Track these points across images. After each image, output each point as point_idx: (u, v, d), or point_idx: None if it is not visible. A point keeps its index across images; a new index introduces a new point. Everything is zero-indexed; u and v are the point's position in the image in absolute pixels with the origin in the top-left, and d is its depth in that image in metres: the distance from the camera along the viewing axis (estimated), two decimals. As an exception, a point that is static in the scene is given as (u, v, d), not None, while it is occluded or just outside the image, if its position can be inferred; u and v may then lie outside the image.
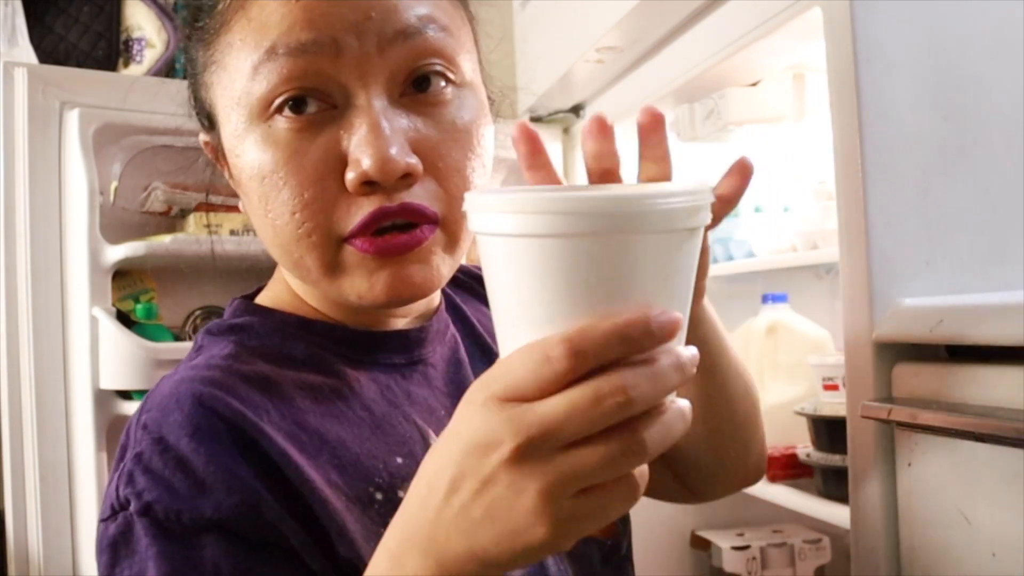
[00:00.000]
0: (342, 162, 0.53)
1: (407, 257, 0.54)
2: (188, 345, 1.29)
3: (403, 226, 0.54)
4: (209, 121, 0.61)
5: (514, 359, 0.39)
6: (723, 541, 1.43)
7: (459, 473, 0.40)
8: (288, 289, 0.64)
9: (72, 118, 1.28)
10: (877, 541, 0.78)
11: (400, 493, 0.56)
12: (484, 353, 0.71)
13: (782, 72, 1.27)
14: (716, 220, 0.48)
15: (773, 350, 1.39)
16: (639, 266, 0.37)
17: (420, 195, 0.54)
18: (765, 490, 1.24)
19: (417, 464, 0.53)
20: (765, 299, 1.45)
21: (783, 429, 1.30)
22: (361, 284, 0.55)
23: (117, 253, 1.27)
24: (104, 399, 1.26)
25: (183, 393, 0.53)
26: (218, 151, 0.61)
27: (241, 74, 0.54)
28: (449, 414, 0.61)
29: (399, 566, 0.42)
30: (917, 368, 0.75)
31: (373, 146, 0.51)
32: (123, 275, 1.38)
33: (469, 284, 0.77)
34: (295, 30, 0.52)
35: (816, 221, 1.35)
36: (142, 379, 1.23)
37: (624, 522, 0.69)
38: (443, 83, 0.56)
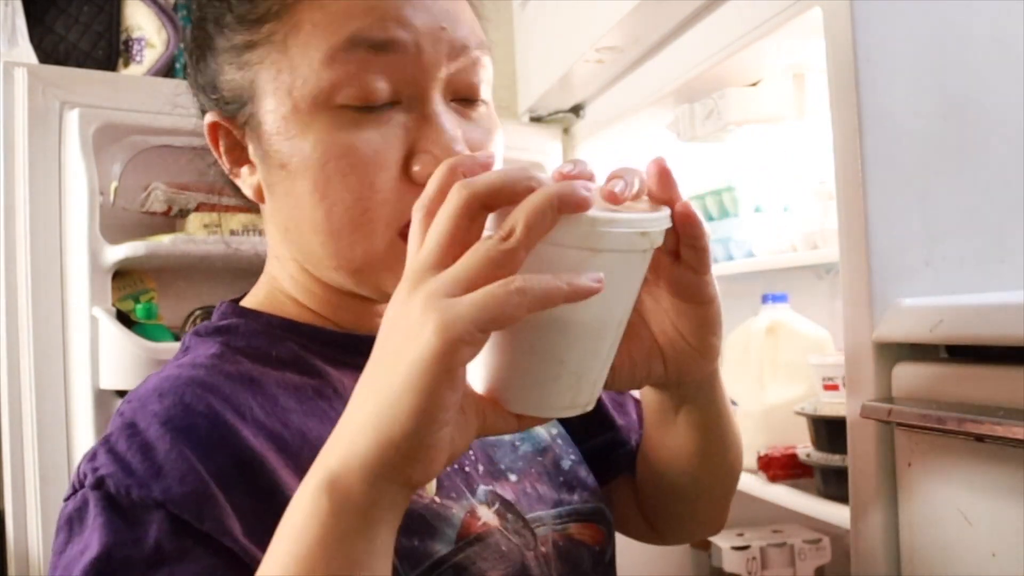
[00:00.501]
0: (405, 155, 0.56)
1: None
2: (188, 345, 1.30)
3: None
4: (234, 102, 0.60)
5: None
6: (723, 541, 1.43)
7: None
8: (276, 291, 0.64)
9: (72, 118, 1.28)
10: (877, 541, 0.78)
11: None
12: None
13: (782, 72, 1.27)
14: (690, 233, 0.50)
15: (773, 350, 1.39)
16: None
17: None
18: (765, 490, 1.24)
19: None
20: (765, 299, 1.45)
21: (783, 429, 1.29)
22: (383, 274, 0.57)
23: (117, 253, 1.27)
24: (104, 399, 1.26)
25: (166, 389, 0.54)
26: (230, 132, 0.61)
27: (309, 59, 0.55)
28: None
29: (295, 499, 0.44)
30: (917, 368, 0.75)
31: (441, 142, 0.56)
32: (123, 275, 1.38)
33: None
34: (382, 25, 0.55)
35: (816, 221, 1.35)
36: (142, 379, 1.23)
37: (609, 531, 0.70)
38: (480, 97, 0.60)
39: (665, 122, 1.50)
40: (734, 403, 1.50)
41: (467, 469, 0.63)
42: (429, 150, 0.55)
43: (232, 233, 1.36)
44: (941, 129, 0.82)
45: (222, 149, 0.62)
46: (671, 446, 0.68)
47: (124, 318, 1.28)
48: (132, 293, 1.40)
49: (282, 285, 0.64)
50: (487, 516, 0.61)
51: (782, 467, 1.24)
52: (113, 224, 1.34)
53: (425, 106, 0.56)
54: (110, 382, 1.24)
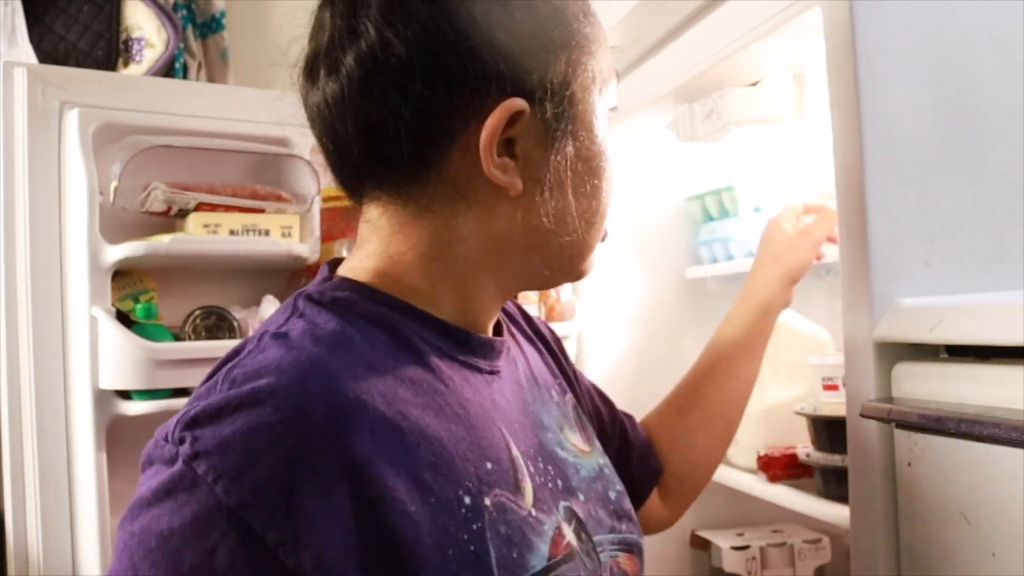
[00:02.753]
0: None
1: None
2: (188, 345, 1.30)
3: None
4: (551, 96, 0.60)
5: None
6: (723, 541, 1.43)
7: None
8: (392, 271, 0.63)
9: (72, 118, 1.28)
10: (877, 541, 0.78)
11: (486, 500, 0.56)
12: (536, 384, 0.73)
13: (782, 72, 1.27)
14: None
15: (773, 350, 1.38)
16: None
17: None
18: (765, 490, 1.24)
19: (504, 472, 0.58)
20: (765, 299, 1.44)
21: (783, 429, 1.29)
22: (593, 259, 0.68)
23: (117, 253, 1.27)
24: (104, 399, 1.25)
25: (286, 366, 0.52)
26: (534, 122, 0.60)
27: (607, 80, 0.66)
28: (523, 428, 0.65)
29: None
30: (917, 368, 0.75)
31: None
32: (122, 275, 1.38)
33: (518, 321, 0.81)
34: None
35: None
36: (142, 379, 1.23)
37: (643, 567, 0.73)
38: None
39: (665, 122, 1.50)
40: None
41: (550, 485, 0.63)
42: None
43: (232, 233, 1.36)
44: (941, 129, 0.82)
45: (506, 135, 0.60)
46: (743, 378, 0.94)
47: (124, 318, 1.28)
48: (132, 293, 1.40)
49: (411, 268, 0.62)
50: (569, 535, 0.61)
51: (782, 467, 1.24)
52: (113, 224, 1.33)
53: None
54: (110, 382, 1.24)
